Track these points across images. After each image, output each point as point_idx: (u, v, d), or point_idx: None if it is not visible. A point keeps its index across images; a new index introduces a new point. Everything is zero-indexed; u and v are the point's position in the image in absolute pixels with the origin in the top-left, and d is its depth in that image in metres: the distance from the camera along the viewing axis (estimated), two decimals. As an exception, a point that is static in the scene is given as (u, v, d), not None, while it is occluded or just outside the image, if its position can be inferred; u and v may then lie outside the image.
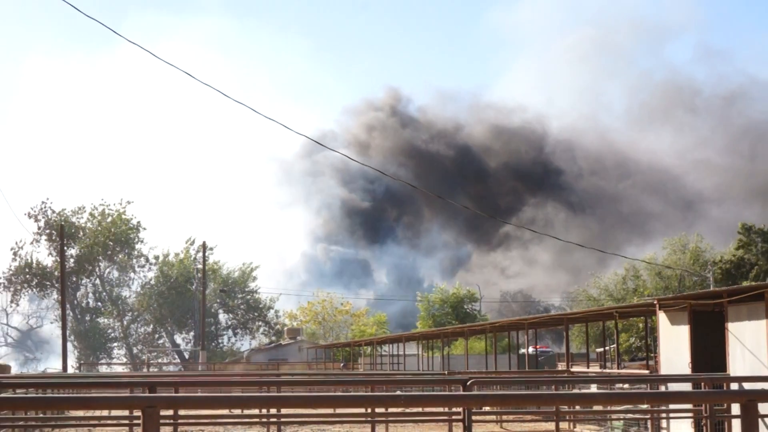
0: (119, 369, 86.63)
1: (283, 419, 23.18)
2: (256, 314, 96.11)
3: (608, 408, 22.14)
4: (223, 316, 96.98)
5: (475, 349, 63.77)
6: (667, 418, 21.63)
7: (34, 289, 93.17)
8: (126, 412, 20.04)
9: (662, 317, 23.66)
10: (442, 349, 57.20)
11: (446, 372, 32.23)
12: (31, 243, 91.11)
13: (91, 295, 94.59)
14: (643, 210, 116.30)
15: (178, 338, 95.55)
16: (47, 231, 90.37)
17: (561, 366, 43.01)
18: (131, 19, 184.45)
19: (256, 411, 24.74)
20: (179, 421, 20.56)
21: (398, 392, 27.10)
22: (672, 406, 20.05)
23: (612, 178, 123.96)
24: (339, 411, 21.62)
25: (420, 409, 23.81)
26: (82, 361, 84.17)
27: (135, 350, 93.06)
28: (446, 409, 20.67)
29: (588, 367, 37.57)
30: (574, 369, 32.84)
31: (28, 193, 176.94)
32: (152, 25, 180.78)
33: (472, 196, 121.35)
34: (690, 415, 20.18)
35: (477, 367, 50.84)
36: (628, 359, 53.24)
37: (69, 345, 73.16)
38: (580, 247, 53.47)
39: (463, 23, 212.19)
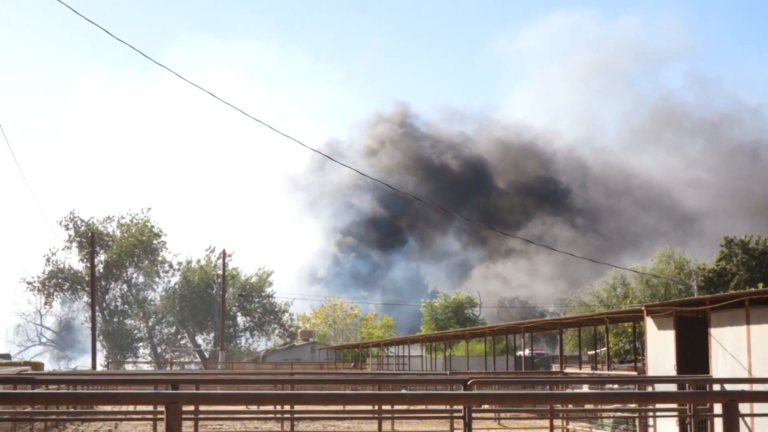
0: (144, 367, 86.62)
1: (296, 415, 23.17)
2: (271, 317, 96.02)
3: (599, 407, 22.07)
4: (241, 319, 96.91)
5: (475, 351, 63.66)
6: (654, 417, 21.56)
7: (66, 293, 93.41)
8: (150, 408, 20.04)
9: (650, 322, 23.61)
10: (445, 351, 57.12)
11: (448, 372, 32.13)
12: (63, 249, 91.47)
13: (118, 298, 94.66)
14: (639, 224, 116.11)
15: (199, 339, 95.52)
16: (77, 239, 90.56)
17: (555, 367, 42.89)
18: (181, 40, 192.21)
19: (271, 407, 24.73)
20: (200, 416, 20.55)
21: (403, 391, 27.11)
22: (658, 406, 19.98)
23: (612, 194, 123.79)
24: (348, 408, 21.58)
25: (423, 407, 23.80)
26: (109, 360, 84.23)
27: (159, 350, 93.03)
28: (448, 407, 20.64)
29: (580, 369, 37.47)
30: (568, 370, 32.74)
31: (59, 203, 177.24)
32: (198, 47, 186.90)
33: (480, 209, 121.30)
34: (675, 414, 20.11)
35: (477, 367, 50.76)
36: (618, 361, 53.04)
37: (98, 344, 73.24)
38: (581, 259, 53.32)
39: (469, 51, 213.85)
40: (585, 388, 25.56)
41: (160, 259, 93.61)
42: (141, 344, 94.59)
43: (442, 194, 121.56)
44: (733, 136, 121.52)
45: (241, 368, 63.56)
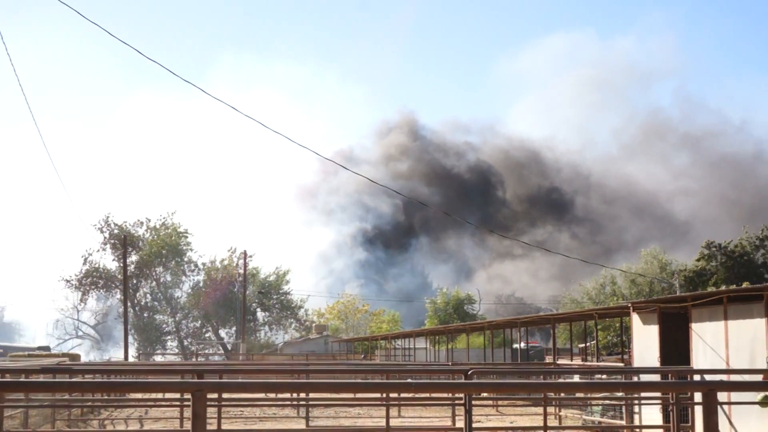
0: (172, 358, 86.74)
1: (311, 402, 23.23)
2: (288, 312, 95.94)
3: (589, 395, 22.06)
4: (260, 314, 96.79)
5: (475, 344, 63.63)
6: (639, 405, 21.54)
7: (101, 290, 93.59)
8: (177, 395, 20.11)
9: (635, 318, 23.58)
10: (447, 344, 57.12)
11: (450, 363, 32.13)
12: (98, 251, 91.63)
13: (148, 295, 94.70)
14: (632, 228, 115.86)
15: (222, 332, 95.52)
16: (111, 241, 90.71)
17: (549, 359, 42.88)
18: (226, 59, 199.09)
19: (287, 395, 24.79)
20: (223, 403, 20.63)
21: (409, 380, 27.08)
22: (643, 394, 19.96)
23: (607, 200, 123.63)
24: (358, 396, 21.63)
25: (428, 395, 23.82)
26: (140, 352, 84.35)
27: (185, 342, 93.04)
28: (450, 395, 20.66)
29: (572, 360, 37.42)
30: (560, 362, 32.70)
31: (95, 208, 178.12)
32: (242, 66, 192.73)
33: (486, 214, 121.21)
34: (659, 402, 20.08)
35: (477, 359, 50.70)
36: (606, 354, 53.01)
37: (130, 337, 73.35)
38: (577, 262, 53.23)
39: (476, 70, 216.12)
40: (576, 378, 25.55)
41: (186, 259, 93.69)
42: (169, 337, 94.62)
43: (454, 199, 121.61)
44: (719, 148, 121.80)
45: (260, 359, 63.62)
